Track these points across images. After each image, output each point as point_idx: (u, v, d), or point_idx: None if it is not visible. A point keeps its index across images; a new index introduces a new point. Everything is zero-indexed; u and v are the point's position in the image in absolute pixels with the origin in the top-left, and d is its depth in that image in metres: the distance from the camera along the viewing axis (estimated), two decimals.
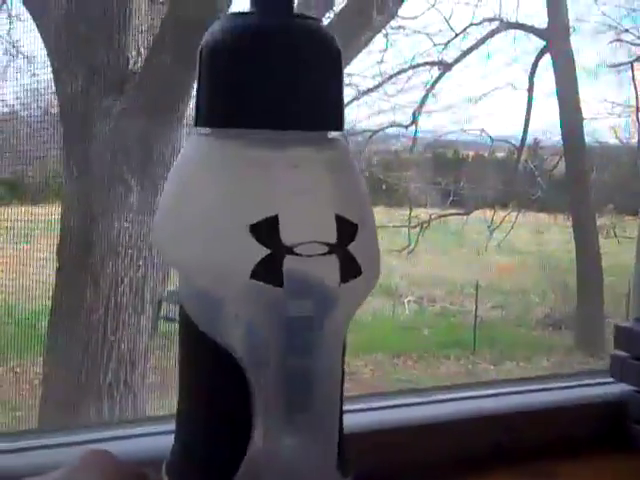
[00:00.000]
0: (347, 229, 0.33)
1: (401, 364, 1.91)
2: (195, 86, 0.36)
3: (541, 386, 0.70)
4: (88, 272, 1.37)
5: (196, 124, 0.35)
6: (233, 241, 0.32)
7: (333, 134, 0.36)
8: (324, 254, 0.32)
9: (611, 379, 0.70)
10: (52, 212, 1.34)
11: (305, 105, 0.34)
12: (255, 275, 0.32)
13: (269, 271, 0.32)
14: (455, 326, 2.13)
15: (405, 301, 2.05)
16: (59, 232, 1.36)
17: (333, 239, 0.33)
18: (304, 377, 0.34)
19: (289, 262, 0.32)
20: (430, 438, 0.59)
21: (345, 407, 0.37)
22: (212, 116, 0.34)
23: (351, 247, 0.33)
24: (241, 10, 0.35)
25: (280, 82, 0.33)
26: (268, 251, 0.32)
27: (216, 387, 0.34)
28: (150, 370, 1.44)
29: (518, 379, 0.74)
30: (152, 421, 0.55)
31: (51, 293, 1.36)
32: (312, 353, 0.33)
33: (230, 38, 0.34)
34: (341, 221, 0.33)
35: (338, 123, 0.35)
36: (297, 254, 0.32)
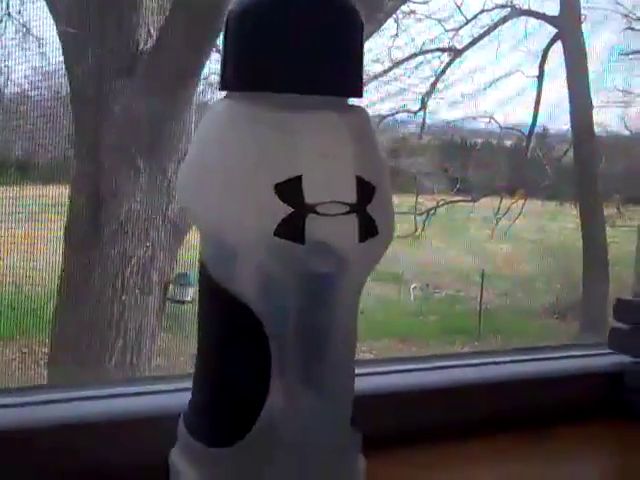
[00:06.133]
0: (366, 190, 0.35)
1: (405, 350, 1.91)
2: (221, 51, 0.37)
3: (541, 355, 0.73)
4: (96, 252, 1.38)
5: (222, 88, 0.37)
6: (258, 199, 0.33)
7: (352, 100, 0.37)
8: (344, 214, 0.34)
9: (610, 351, 0.73)
10: (62, 193, 1.34)
11: (329, 70, 0.35)
12: (278, 232, 0.33)
13: (292, 229, 0.33)
14: (460, 313, 2.13)
15: (410, 288, 2.05)
16: (67, 212, 1.36)
17: (353, 199, 0.34)
18: (322, 333, 0.36)
19: (311, 220, 0.33)
20: (433, 403, 0.61)
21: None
22: (238, 80, 0.36)
23: (369, 208, 0.35)
24: None
25: (305, 48, 0.35)
26: (291, 209, 0.33)
27: (235, 343, 0.36)
28: (156, 352, 1.45)
29: (519, 349, 0.77)
30: (161, 379, 0.57)
31: (59, 273, 1.36)
32: (331, 309, 0.35)
33: (257, 4, 0.35)
34: (361, 182, 0.34)
35: (359, 90, 0.37)
36: (319, 213, 0.33)
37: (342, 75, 0.36)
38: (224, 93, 0.37)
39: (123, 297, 1.37)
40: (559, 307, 2.11)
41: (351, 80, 0.37)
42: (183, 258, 1.45)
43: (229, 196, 0.34)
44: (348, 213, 0.34)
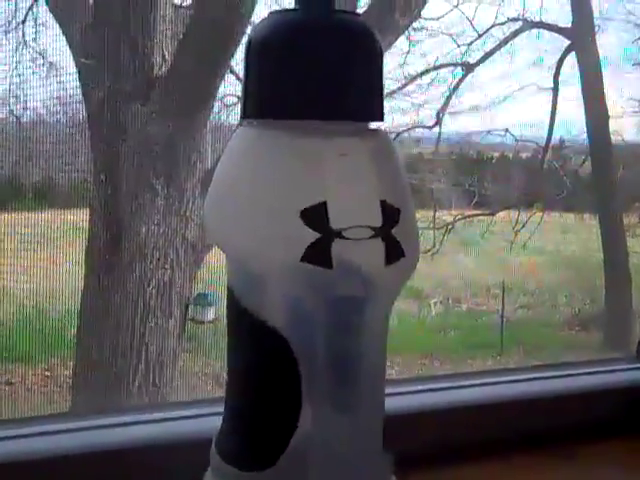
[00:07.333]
0: (391, 214, 0.35)
1: (428, 365, 1.90)
2: (242, 80, 0.37)
3: (567, 372, 0.71)
4: (116, 275, 1.39)
5: (244, 116, 0.37)
6: (284, 226, 0.34)
7: (374, 124, 0.38)
8: (370, 237, 0.34)
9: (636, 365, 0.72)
10: (81, 217, 1.35)
11: (351, 97, 0.36)
12: (305, 258, 0.33)
13: (319, 254, 0.33)
14: (481, 327, 2.12)
15: (431, 303, 2.04)
16: (87, 236, 1.37)
17: (378, 223, 0.34)
18: (351, 357, 0.36)
19: (337, 245, 0.33)
20: (454, 422, 0.60)
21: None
22: (261, 108, 0.36)
23: (394, 231, 0.35)
24: (286, 8, 0.37)
25: (327, 75, 0.35)
26: (318, 235, 0.33)
27: (264, 367, 0.36)
28: (178, 373, 1.45)
29: (544, 365, 0.76)
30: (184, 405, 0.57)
31: (79, 296, 1.37)
32: (359, 333, 0.35)
33: (279, 32, 0.36)
34: (385, 206, 0.35)
35: (380, 114, 0.37)
36: (345, 238, 0.34)
37: (363, 101, 0.36)
38: (245, 120, 0.37)
39: (144, 319, 1.37)
40: (581, 319, 2.10)
41: (372, 105, 0.37)
42: (202, 278, 1.46)
43: (255, 223, 0.34)
44: (374, 237, 0.34)
